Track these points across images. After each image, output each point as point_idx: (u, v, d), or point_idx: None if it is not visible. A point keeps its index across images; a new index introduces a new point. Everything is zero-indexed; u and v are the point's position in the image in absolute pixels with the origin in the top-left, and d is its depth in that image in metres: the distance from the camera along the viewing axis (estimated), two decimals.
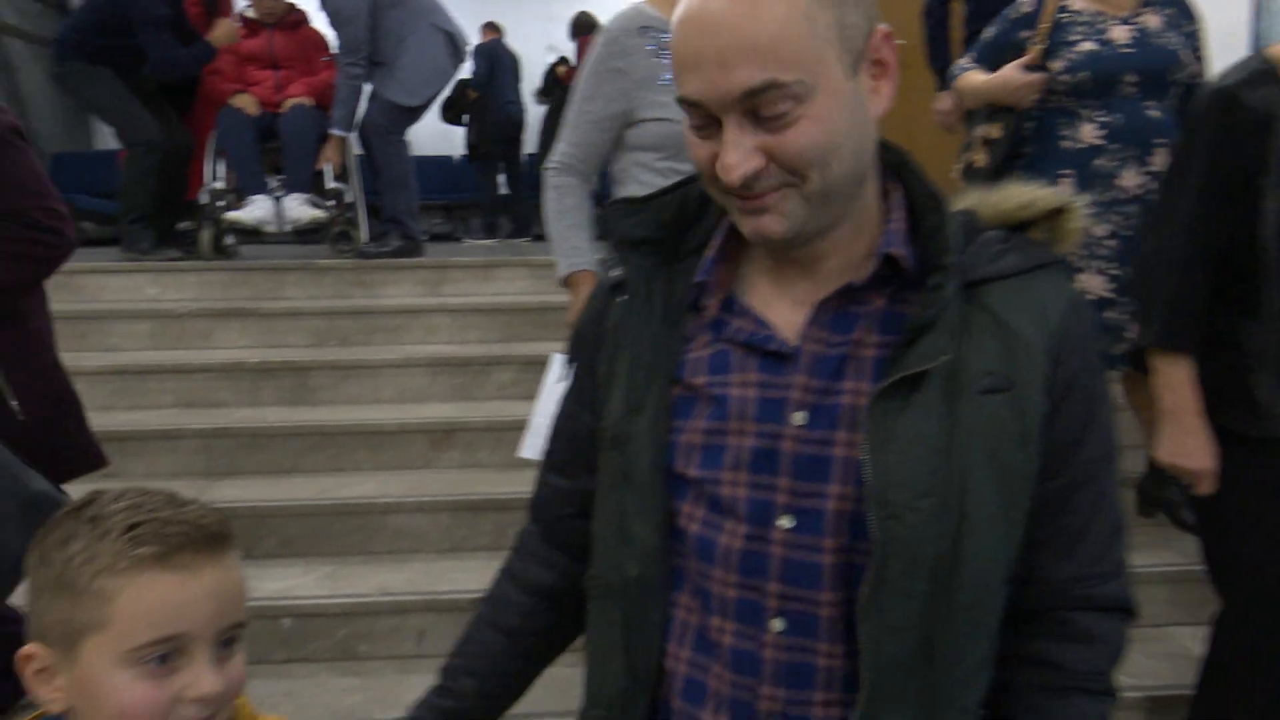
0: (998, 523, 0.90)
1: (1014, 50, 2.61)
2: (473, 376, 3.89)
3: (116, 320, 4.19)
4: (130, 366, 3.85)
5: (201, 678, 0.84)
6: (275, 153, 4.93)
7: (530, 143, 8.18)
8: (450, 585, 2.80)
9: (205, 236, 4.80)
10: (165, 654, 0.83)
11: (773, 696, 0.93)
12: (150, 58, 4.67)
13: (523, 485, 3.07)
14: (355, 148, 5.23)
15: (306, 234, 5.11)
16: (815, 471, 0.91)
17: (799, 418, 0.92)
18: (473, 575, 2.86)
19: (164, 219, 4.90)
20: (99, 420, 3.52)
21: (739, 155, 0.85)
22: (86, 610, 0.82)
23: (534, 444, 3.48)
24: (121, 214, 4.86)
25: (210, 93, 5.00)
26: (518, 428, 3.52)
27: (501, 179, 8.31)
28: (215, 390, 3.78)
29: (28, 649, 0.85)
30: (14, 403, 2.04)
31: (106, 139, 8.59)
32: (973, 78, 2.73)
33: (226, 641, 0.87)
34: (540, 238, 5.61)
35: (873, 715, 0.89)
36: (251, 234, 4.92)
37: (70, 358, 3.85)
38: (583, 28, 7.68)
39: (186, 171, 4.96)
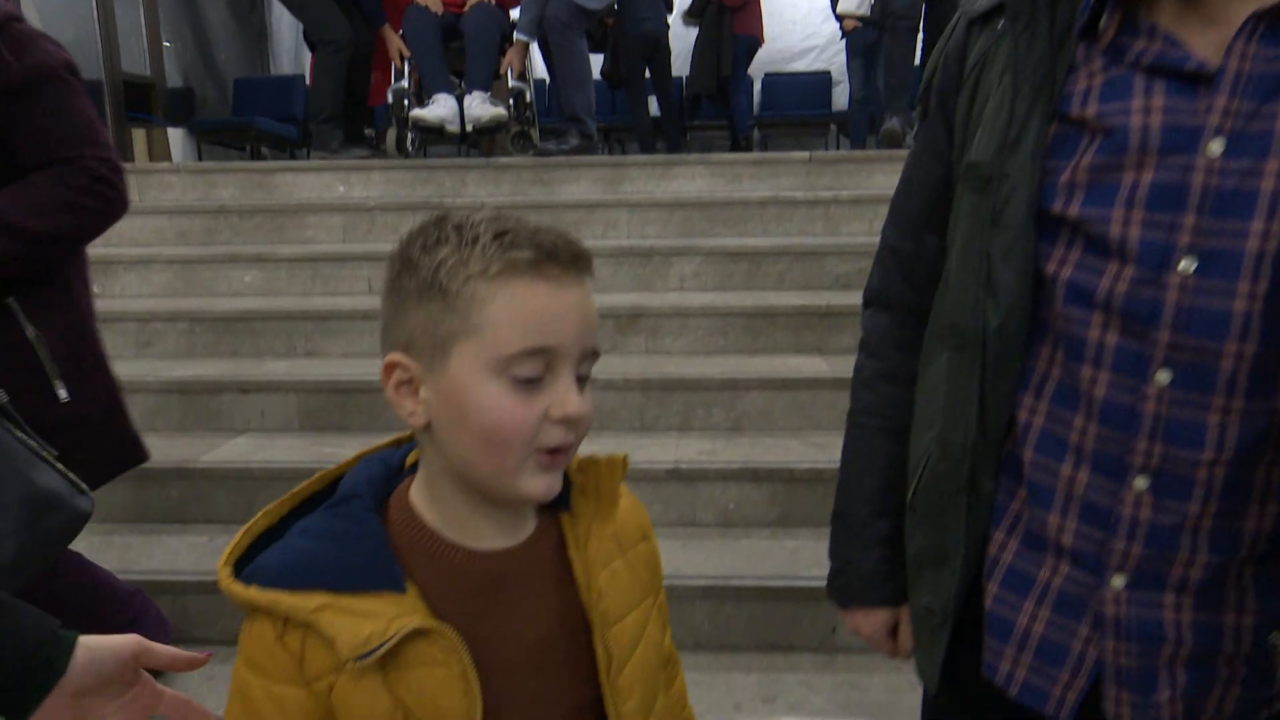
0: None
1: None
2: (655, 268, 3.86)
3: (310, 213, 4.34)
4: (325, 255, 3.98)
5: (567, 397, 0.79)
6: (458, 54, 4.96)
7: (679, 66, 8.00)
8: (644, 457, 2.77)
9: (391, 134, 4.89)
10: (534, 369, 0.78)
11: (1148, 451, 0.85)
12: None
13: (712, 368, 3.17)
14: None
15: (487, 133, 5.16)
16: (1233, 207, 0.80)
17: (1215, 146, 0.81)
18: (665, 450, 2.84)
19: (350, 119, 5.02)
20: (299, 304, 3.70)
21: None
22: (458, 315, 0.78)
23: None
24: (311, 114, 5.02)
25: None
26: (702, 314, 3.53)
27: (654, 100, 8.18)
28: None
29: (392, 357, 0.81)
30: (61, 391, 1.84)
31: (283, 65, 8.96)
32: None
33: (580, 377, 0.82)
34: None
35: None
36: (435, 133, 4.93)
37: (268, 249, 4.08)
38: None
39: (369, 72, 5.06)
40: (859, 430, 1.16)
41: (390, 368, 0.82)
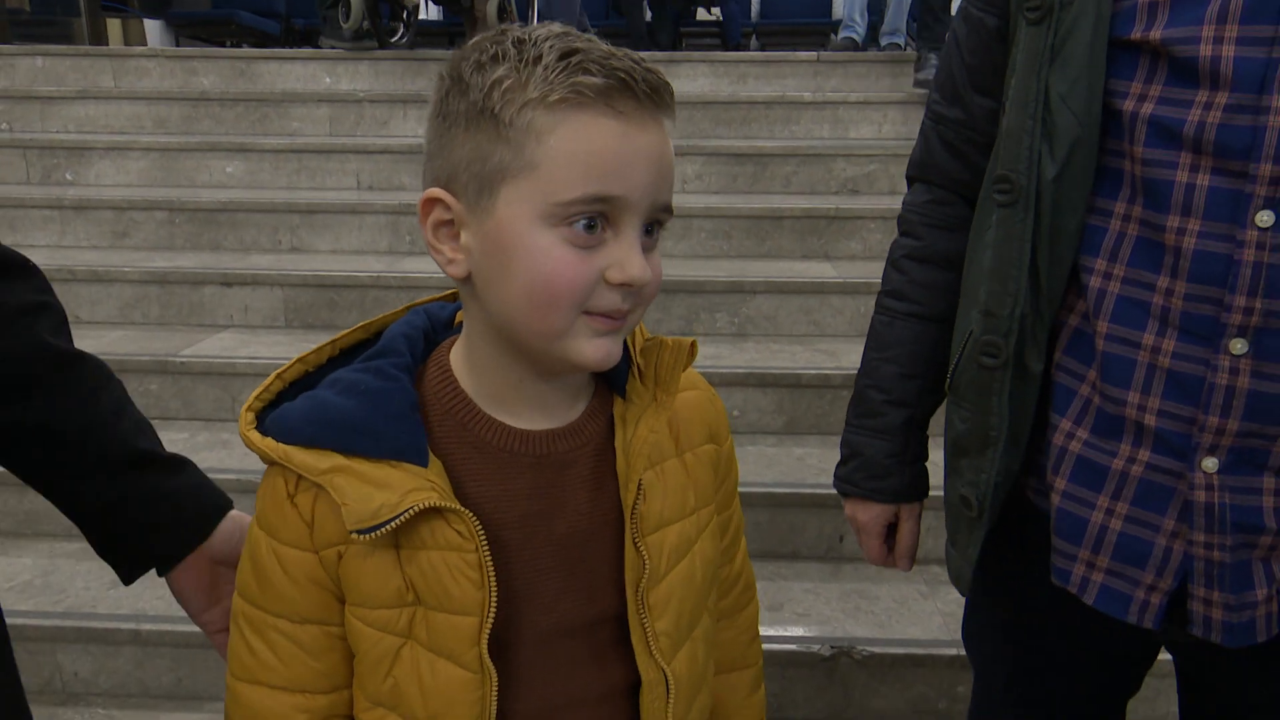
0: None
1: None
2: None
3: (295, 104, 4.14)
4: (311, 147, 3.80)
5: (630, 258, 0.67)
6: None
7: None
8: None
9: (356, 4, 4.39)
10: (594, 219, 0.66)
11: (1247, 309, 0.75)
12: None
13: (716, 272, 3.06)
14: None
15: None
16: None
17: None
18: None
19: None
20: (285, 197, 3.54)
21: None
22: (512, 147, 0.65)
23: None
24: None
25: None
26: (706, 215, 3.40)
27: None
28: (396, 173, 3.72)
29: (431, 192, 0.69)
30: None
31: None
32: None
33: (649, 229, 0.70)
34: None
35: None
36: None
37: (251, 139, 3.89)
38: None
39: None
40: (882, 314, 1.08)
41: (429, 204, 0.70)
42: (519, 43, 0.66)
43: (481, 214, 0.67)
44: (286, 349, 2.76)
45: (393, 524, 0.67)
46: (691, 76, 4.48)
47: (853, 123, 4.08)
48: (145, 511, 0.88)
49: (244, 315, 3.04)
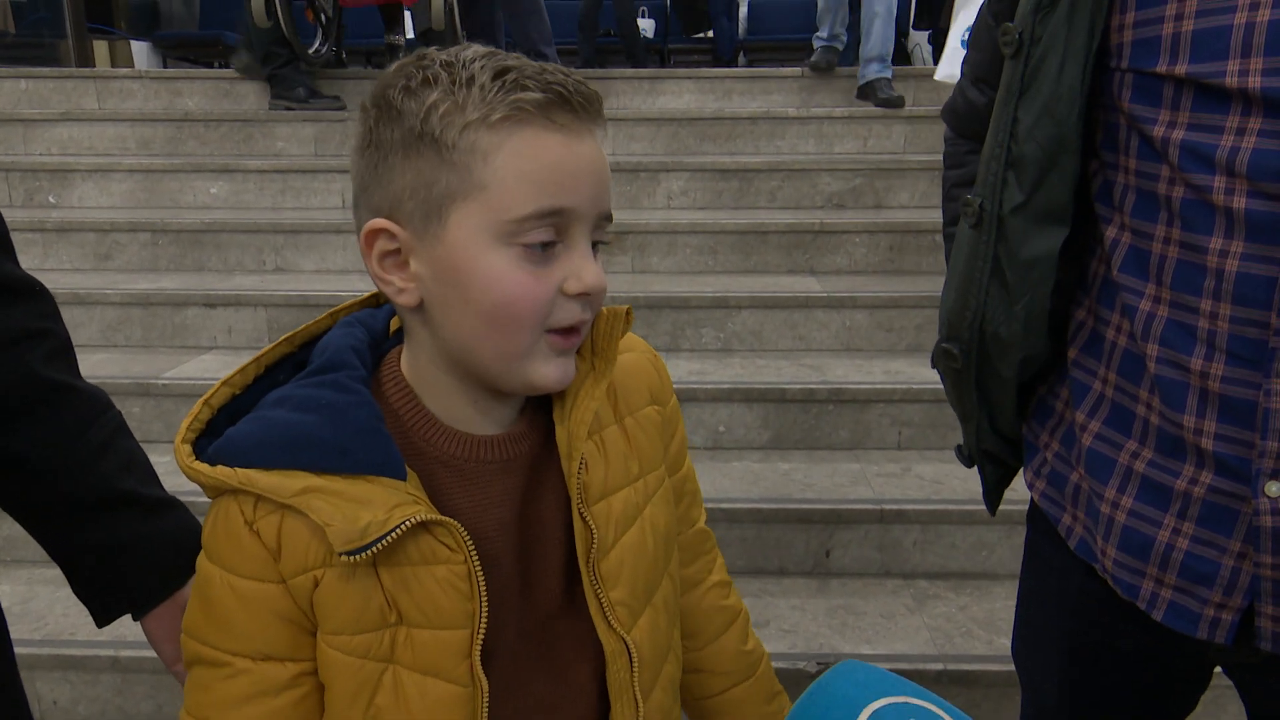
0: None
1: None
2: (642, 185, 3.71)
3: (280, 124, 4.13)
4: (296, 167, 3.79)
5: (585, 266, 0.67)
6: None
7: None
8: None
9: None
10: (547, 234, 0.66)
11: None
12: None
13: (701, 287, 3.06)
14: None
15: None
16: None
17: None
18: None
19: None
20: (269, 218, 3.52)
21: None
22: (457, 170, 0.65)
23: (948, 66, 3.34)
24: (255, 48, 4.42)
25: None
26: (691, 231, 3.40)
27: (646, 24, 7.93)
28: None
29: (374, 223, 0.68)
30: None
31: None
32: None
33: (596, 243, 0.70)
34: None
35: None
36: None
37: (235, 159, 3.88)
38: None
39: None
40: (949, 244, 1.08)
41: (372, 236, 0.68)
42: (447, 65, 0.66)
43: (431, 240, 0.67)
44: None
45: (385, 541, 0.65)
46: (677, 93, 4.50)
47: (837, 137, 4.09)
48: (114, 555, 0.86)
49: (228, 336, 3.02)
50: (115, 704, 1.97)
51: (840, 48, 4.53)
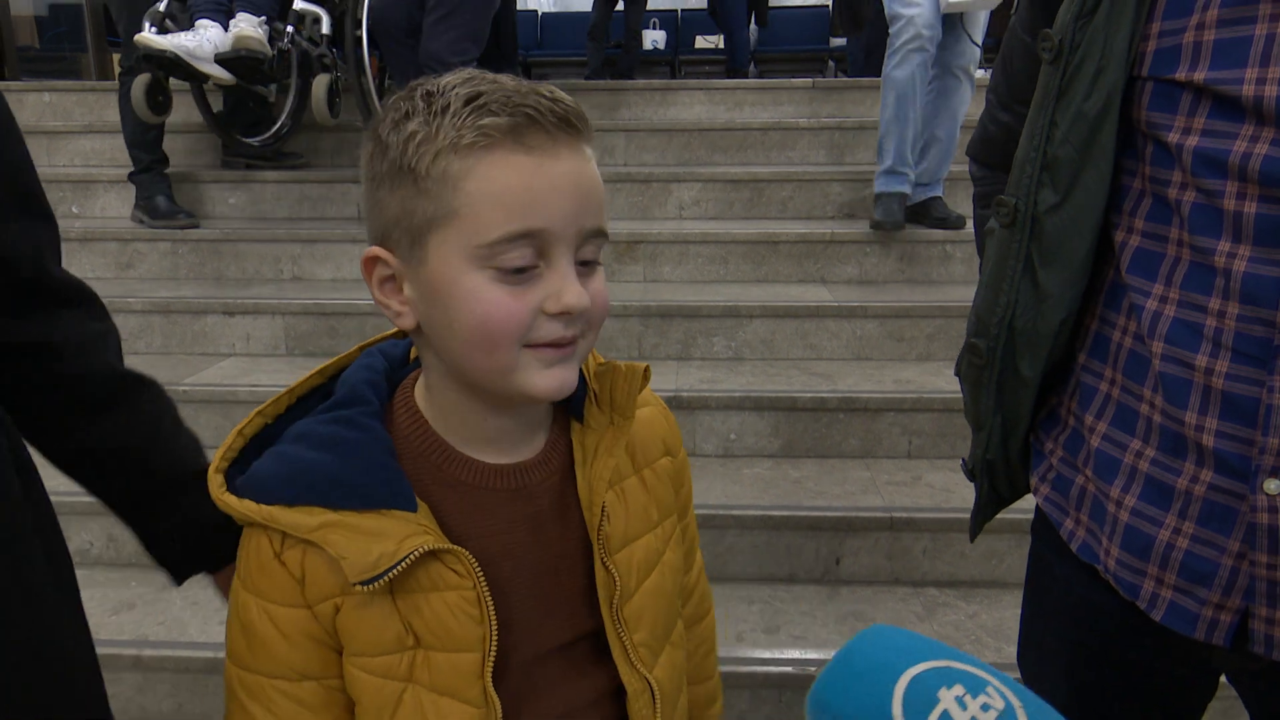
0: None
1: None
2: (653, 195, 3.74)
3: (299, 133, 4.17)
4: (314, 177, 3.86)
5: (565, 287, 0.69)
6: None
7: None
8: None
9: (139, 86, 3.32)
10: (523, 257, 0.68)
11: None
12: None
13: (713, 296, 3.08)
14: None
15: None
16: None
17: None
18: (664, 378, 2.76)
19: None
20: (287, 226, 3.52)
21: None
22: (432, 198, 0.67)
23: None
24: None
25: None
26: (703, 241, 3.42)
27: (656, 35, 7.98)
28: None
29: (371, 251, 0.72)
30: None
31: None
32: None
33: (586, 260, 0.72)
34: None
35: None
36: (178, 72, 3.38)
37: (254, 170, 3.93)
38: None
39: None
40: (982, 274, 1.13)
41: (370, 263, 0.73)
42: (428, 95, 0.69)
43: (416, 265, 0.70)
44: (287, 376, 2.79)
45: (394, 571, 0.69)
46: (688, 104, 4.53)
47: (848, 147, 4.11)
48: (198, 526, 0.91)
49: (246, 344, 3.07)
50: (137, 702, 2.00)
51: (908, 189, 3.34)
